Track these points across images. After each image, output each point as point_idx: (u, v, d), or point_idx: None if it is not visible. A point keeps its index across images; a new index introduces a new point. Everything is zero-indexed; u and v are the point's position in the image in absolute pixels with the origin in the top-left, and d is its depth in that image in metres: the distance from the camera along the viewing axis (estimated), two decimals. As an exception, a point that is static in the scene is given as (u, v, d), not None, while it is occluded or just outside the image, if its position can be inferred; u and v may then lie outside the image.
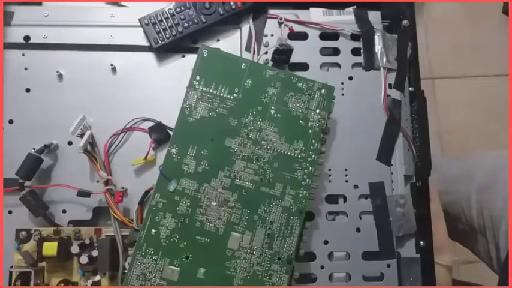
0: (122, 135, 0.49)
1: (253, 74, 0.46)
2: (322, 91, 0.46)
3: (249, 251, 0.43)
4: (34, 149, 0.47)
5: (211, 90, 0.45)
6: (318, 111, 0.46)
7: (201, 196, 0.43)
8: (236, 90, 0.45)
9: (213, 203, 0.43)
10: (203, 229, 0.43)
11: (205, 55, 0.45)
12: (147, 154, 0.48)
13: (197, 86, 0.45)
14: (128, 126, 0.49)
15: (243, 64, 0.46)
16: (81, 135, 0.46)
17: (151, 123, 0.49)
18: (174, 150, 0.44)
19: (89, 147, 0.47)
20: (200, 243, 0.43)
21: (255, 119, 0.45)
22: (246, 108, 0.45)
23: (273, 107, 0.45)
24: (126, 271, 0.43)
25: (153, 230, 0.42)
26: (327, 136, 0.46)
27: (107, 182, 0.46)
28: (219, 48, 0.50)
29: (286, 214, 0.44)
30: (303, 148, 0.45)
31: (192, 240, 0.43)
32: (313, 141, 0.45)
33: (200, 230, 0.43)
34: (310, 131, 0.45)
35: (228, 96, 0.45)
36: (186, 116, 0.44)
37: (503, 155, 0.63)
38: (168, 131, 0.49)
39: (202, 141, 0.44)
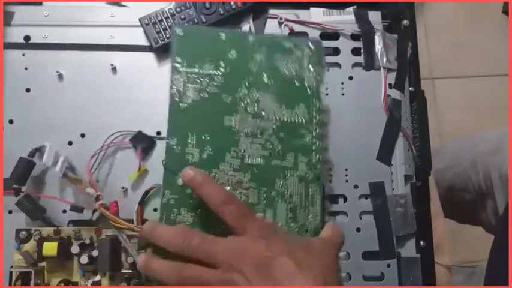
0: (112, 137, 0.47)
1: (236, 44, 0.43)
2: (311, 46, 0.44)
3: None
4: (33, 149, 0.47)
5: (196, 70, 0.42)
6: (311, 67, 0.43)
7: None
8: (222, 64, 0.42)
9: (226, 188, 0.41)
10: None
11: (181, 34, 0.43)
12: (140, 166, 0.47)
13: (180, 69, 0.42)
14: (107, 142, 0.47)
15: (223, 35, 0.43)
16: (56, 163, 0.45)
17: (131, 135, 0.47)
18: (173, 142, 0.41)
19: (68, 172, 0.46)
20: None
21: (249, 90, 0.42)
22: (237, 81, 0.42)
23: (264, 74, 0.43)
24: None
25: None
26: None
27: (97, 198, 0.44)
28: None
29: (303, 183, 0.42)
30: (306, 110, 0.43)
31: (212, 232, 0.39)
32: (314, 100, 0.43)
33: (219, 219, 0.39)
34: (308, 90, 0.43)
35: (215, 73, 0.42)
36: (177, 103, 0.41)
37: (505, 130, 0.66)
38: (151, 136, 0.48)
39: (200, 126, 0.41)
